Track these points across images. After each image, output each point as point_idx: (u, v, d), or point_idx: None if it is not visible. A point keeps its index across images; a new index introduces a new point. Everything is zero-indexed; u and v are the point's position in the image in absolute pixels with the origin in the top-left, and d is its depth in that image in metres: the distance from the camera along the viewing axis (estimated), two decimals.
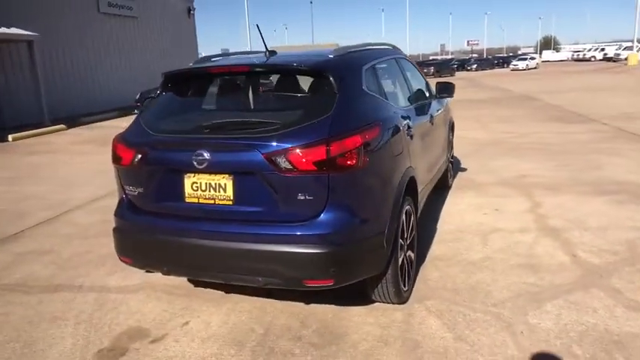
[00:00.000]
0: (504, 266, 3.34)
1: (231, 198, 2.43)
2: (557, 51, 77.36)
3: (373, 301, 2.93)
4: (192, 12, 27.37)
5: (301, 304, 2.98)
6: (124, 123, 6.53)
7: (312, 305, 2.96)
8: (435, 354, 2.42)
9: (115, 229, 2.82)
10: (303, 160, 2.27)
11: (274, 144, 2.31)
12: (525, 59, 48.74)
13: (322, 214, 2.32)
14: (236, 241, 2.41)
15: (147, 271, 3.21)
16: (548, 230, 3.96)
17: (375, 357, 2.43)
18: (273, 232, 2.36)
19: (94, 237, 4.52)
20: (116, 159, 2.75)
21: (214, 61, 3.14)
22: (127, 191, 2.76)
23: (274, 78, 3.02)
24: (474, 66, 54.02)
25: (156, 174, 2.61)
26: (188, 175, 2.51)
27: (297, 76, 2.72)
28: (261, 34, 3.00)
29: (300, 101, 2.65)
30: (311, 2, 63.99)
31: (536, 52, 69.42)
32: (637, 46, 43.01)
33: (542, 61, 56.50)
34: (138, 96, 16.47)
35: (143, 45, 21.85)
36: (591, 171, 5.79)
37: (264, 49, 2.98)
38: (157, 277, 3.45)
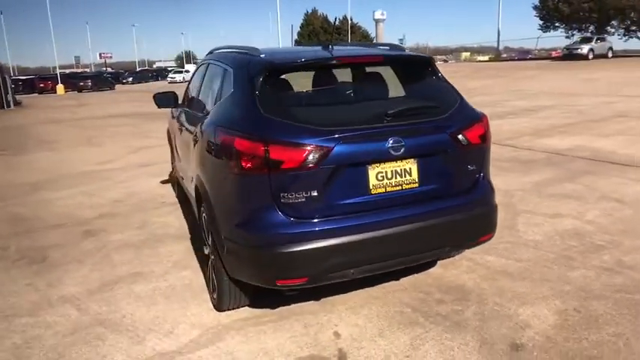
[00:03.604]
0: None
1: (416, 180, 2.56)
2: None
3: (429, 263, 3.45)
4: None
5: (394, 282, 3.23)
6: None
7: (402, 280, 3.26)
8: (520, 272, 3.28)
9: (272, 249, 2.35)
10: (475, 135, 2.69)
11: (456, 124, 2.63)
12: (182, 72, 51.58)
13: (481, 181, 2.81)
14: (428, 220, 2.56)
15: (288, 291, 2.91)
16: None
17: (504, 286, 3.08)
18: (455, 202, 2.67)
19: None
20: (272, 164, 2.31)
21: (336, 50, 2.91)
22: (283, 200, 2.36)
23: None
24: (130, 79, 53.32)
25: (334, 172, 2.38)
26: (372, 166, 2.46)
27: (406, 67, 2.97)
28: (333, 26, 2.96)
29: (429, 87, 2.92)
30: None
31: (181, 66, 73.76)
32: None
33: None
34: None
35: None
36: None
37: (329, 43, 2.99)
38: (210, 319, 2.92)
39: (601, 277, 3.17)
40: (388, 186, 2.51)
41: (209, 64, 3.81)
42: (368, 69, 3.05)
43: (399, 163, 2.51)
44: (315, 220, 2.41)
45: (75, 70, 71.53)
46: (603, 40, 30.37)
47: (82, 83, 40.60)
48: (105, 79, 43.98)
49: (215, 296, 2.95)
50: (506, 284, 3.14)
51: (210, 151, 2.74)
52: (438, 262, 3.48)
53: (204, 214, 3.03)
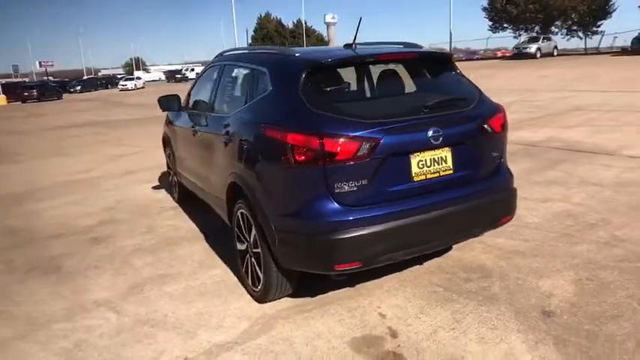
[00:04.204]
0: None
1: (451, 167, 2.78)
2: (148, 72, 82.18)
3: (446, 248, 3.70)
4: None
5: (419, 266, 3.44)
6: None
7: (426, 264, 3.48)
8: (530, 250, 3.58)
9: (329, 236, 2.50)
10: (497, 124, 2.96)
11: (482, 114, 2.89)
12: (132, 79, 50.12)
13: (502, 166, 3.08)
14: (462, 203, 2.80)
15: (339, 275, 3.09)
16: None
17: (519, 263, 3.36)
18: (483, 187, 2.92)
19: None
20: (327, 156, 2.45)
21: (362, 48, 3.08)
22: (337, 189, 2.51)
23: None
24: (78, 87, 51.22)
25: (382, 162, 2.56)
26: (414, 155, 2.66)
27: (433, 62, 3.20)
28: (358, 27, 3.11)
29: (452, 81, 3.14)
30: None
31: (130, 74, 71.49)
32: None
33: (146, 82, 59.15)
34: None
35: None
36: None
37: (353, 42, 3.16)
38: (255, 311, 3.03)
39: (602, 250, 3.52)
40: (428, 173, 2.72)
41: (224, 65, 3.90)
42: (392, 66, 3.24)
43: (436, 151, 2.73)
44: (367, 207, 2.57)
45: (13, 79, 67.45)
46: (549, 39, 32.39)
47: (26, 93, 38.42)
48: (52, 88, 41.98)
49: (258, 288, 3.05)
50: (521, 261, 3.43)
51: (254, 148, 2.86)
52: (454, 246, 3.73)
53: (240, 211, 3.13)
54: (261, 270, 2.96)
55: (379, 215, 2.58)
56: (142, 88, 47.03)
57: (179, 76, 53.10)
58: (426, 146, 2.68)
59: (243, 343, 2.70)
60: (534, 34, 34.82)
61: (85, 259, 4.11)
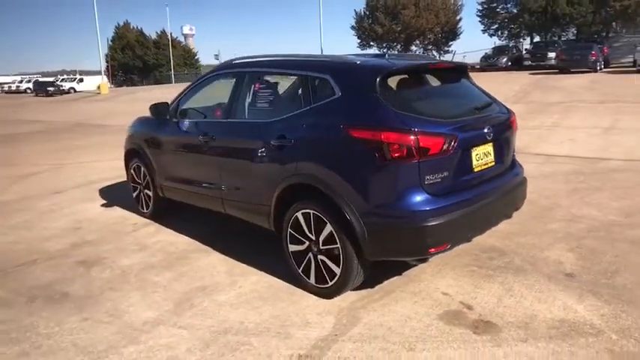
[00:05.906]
0: None
1: (493, 160, 3.32)
2: None
3: None
4: None
5: (442, 254, 3.90)
6: None
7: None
8: (519, 231, 4.30)
9: (426, 222, 2.81)
10: (514, 123, 3.60)
11: (507, 114, 3.52)
12: None
13: (515, 159, 3.71)
14: (505, 190, 3.38)
15: (420, 260, 3.41)
16: None
17: (520, 241, 4.03)
18: (511, 176, 3.52)
19: None
20: (421, 151, 2.79)
21: (400, 59, 3.37)
22: (427, 181, 2.86)
23: None
24: None
25: (454, 155, 2.97)
26: (474, 149, 3.13)
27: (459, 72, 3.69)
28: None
29: (474, 88, 3.65)
30: None
31: None
32: (79, 77, 47.54)
33: None
34: None
35: None
36: None
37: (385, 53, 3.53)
38: (330, 306, 3.21)
39: (571, 225, 4.38)
40: (482, 165, 3.22)
41: (244, 73, 3.90)
42: (431, 74, 3.70)
43: (485, 146, 3.24)
44: (447, 196, 2.97)
45: None
46: None
47: None
48: None
49: (329, 284, 3.19)
50: (520, 240, 4.11)
51: (334, 148, 3.06)
52: None
53: (301, 211, 3.25)
54: (338, 265, 3.12)
55: (459, 202, 2.99)
56: None
57: (52, 88, 43.83)
58: (482, 141, 3.18)
59: (343, 334, 2.85)
60: (395, 52, 38.92)
61: (91, 283, 3.75)
